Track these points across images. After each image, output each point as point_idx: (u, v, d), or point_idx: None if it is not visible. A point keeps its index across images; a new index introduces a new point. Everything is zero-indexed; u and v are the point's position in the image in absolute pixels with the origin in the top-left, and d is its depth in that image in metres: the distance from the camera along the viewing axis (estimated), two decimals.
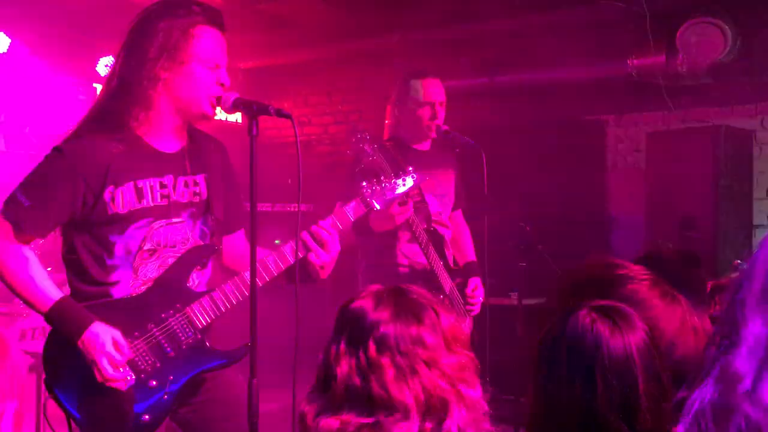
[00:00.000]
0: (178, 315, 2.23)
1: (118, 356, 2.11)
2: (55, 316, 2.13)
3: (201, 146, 2.38)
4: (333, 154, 7.15)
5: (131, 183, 2.19)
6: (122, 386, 2.13)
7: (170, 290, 2.25)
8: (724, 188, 4.78)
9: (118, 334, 2.13)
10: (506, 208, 3.46)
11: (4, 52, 5.50)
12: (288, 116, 2.07)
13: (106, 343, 2.09)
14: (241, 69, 7.20)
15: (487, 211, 3.42)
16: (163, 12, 2.20)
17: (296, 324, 1.97)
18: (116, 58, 2.24)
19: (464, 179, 3.68)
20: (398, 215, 2.96)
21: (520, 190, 5.48)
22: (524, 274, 3.44)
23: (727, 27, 4.83)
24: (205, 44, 2.20)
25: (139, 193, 2.21)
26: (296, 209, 5.85)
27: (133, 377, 2.16)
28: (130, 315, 2.18)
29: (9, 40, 5.49)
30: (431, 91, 3.37)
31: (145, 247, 2.23)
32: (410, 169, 2.68)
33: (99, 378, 2.10)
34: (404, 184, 2.63)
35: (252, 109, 2.06)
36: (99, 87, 5.85)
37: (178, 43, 2.16)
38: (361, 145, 2.99)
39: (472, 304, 3.42)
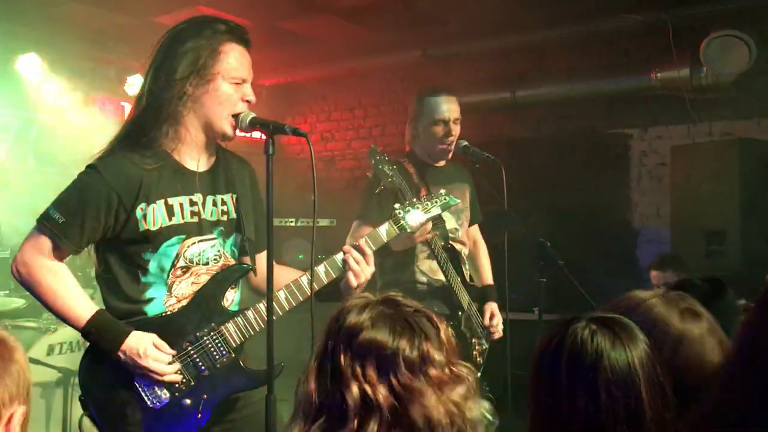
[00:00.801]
0: (213, 333, 2.24)
1: (162, 355, 2.15)
2: (91, 330, 2.15)
3: (229, 166, 2.41)
4: (356, 169, 7.20)
5: (162, 200, 2.22)
6: (177, 378, 2.18)
7: (205, 309, 2.26)
8: (751, 202, 4.71)
9: (155, 336, 2.17)
10: (527, 224, 3.43)
11: (34, 72, 5.64)
12: (304, 135, 2.10)
13: (147, 347, 2.13)
14: (265, 86, 7.29)
15: (508, 226, 3.40)
16: (190, 31, 2.24)
17: (311, 341, 1.98)
18: (145, 77, 2.28)
19: (482, 194, 3.67)
20: (419, 236, 2.97)
21: (542, 204, 5.46)
22: (545, 289, 3.41)
23: (751, 39, 4.79)
24: (231, 61, 2.24)
25: (170, 211, 2.23)
26: (321, 224, 5.90)
27: (168, 395, 2.19)
28: (166, 333, 2.20)
29: (39, 60, 5.64)
30: (444, 108, 3.39)
31: (179, 265, 2.25)
32: (442, 192, 2.69)
33: (152, 381, 2.15)
34: (439, 207, 2.63)
35: (268, 128, 2.09)
36: (127, 105, 6.02)
37: (206, 61, 2.20)
38: (380, 167, 3.01)
39: (491, 332, 3.41)
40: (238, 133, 2.32)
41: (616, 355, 1.37)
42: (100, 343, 2.15)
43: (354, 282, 2.31)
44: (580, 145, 5.86)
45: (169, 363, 2.18)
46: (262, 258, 2.48)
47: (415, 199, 2.61)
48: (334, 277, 2.31)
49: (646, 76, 5.41)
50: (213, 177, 2.34)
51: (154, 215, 2.20)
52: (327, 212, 5.82)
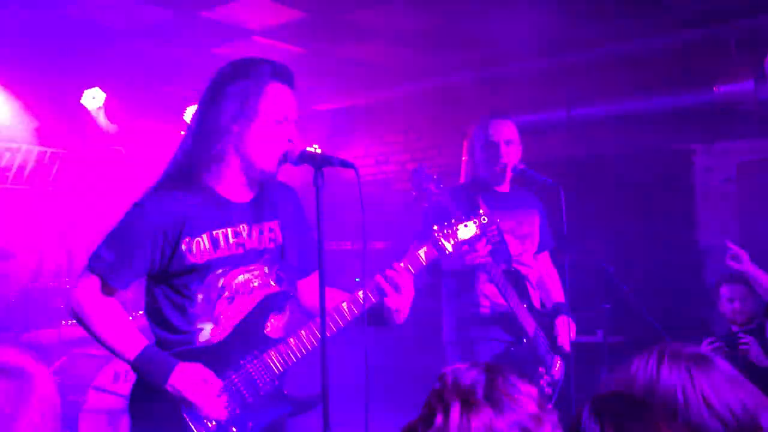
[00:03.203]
0: (256, 361, 2.27)
1: (210, 390, 2.18)
2: (140, 364, 2.21)
3: (273, 193, 2.45)
4: (411, 191, 7.16)
5: (207, 233, 2.28)
6: (224, 415, 2.20)
7: (248, 337, 2.30)
8: None
9: (200, 367, 2.20)
10: (588, 247, 3.35)
11: (100, 106, 5.84)
12: (351, 166, 2.12)
13: (196, 383, 2.17)
14: (319, 111, 7.37)
15: (568, 251, 3.32)
16: (236, 72, 2.30)
17: (366, 369, 1.95)
18: (194, 115, 2.36)
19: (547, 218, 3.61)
20: (468, 258, 2.93)
21: (602, 226, 5.33)
22: (609, 313, 3.30)
23: None
24: (277, 102, 2.29)
25: (215, 243, 2.28)
26: (378, 246, 5.88)
27: (214, 424, 2.20)
28: (211, 362, 2.23)
29: (104, 95, 5.84)
30: (498, 130, 3.39)
31: (225, 295, 2.29)
32: (481, 212, 2.65)
33: (201, 413, 2.17)
34: (476, 227, 2.59)
35: (316, 161, 2.12)
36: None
37: (251, 101, 2.26)
38: (425, 184, 3.00)
39: (560, 344, 3.29)
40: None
41: None
42: (149, 377, 2.20)
43: (391, 305, 2.31)
44: (641, 163, 5.70)
45: (218, 395, 2.20)
46: (308, 282, 2.51)
47: (453, 220, 2.58)
48: (375, 301, 2.32)
49: (708, 90, 5.24)
50: (257, 206, 2.38)
51: (199, 248, 2.25)
52: (382, 234, 5.82)
